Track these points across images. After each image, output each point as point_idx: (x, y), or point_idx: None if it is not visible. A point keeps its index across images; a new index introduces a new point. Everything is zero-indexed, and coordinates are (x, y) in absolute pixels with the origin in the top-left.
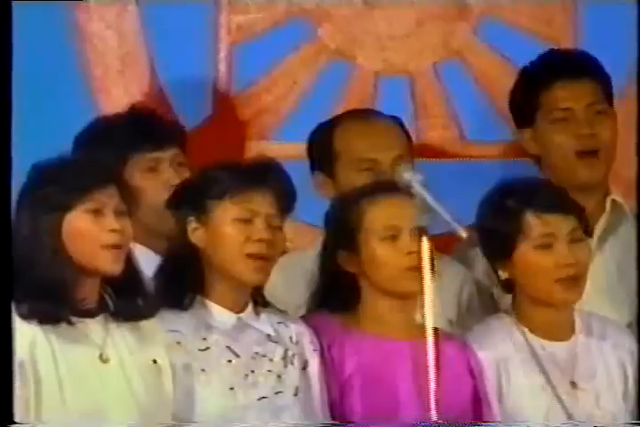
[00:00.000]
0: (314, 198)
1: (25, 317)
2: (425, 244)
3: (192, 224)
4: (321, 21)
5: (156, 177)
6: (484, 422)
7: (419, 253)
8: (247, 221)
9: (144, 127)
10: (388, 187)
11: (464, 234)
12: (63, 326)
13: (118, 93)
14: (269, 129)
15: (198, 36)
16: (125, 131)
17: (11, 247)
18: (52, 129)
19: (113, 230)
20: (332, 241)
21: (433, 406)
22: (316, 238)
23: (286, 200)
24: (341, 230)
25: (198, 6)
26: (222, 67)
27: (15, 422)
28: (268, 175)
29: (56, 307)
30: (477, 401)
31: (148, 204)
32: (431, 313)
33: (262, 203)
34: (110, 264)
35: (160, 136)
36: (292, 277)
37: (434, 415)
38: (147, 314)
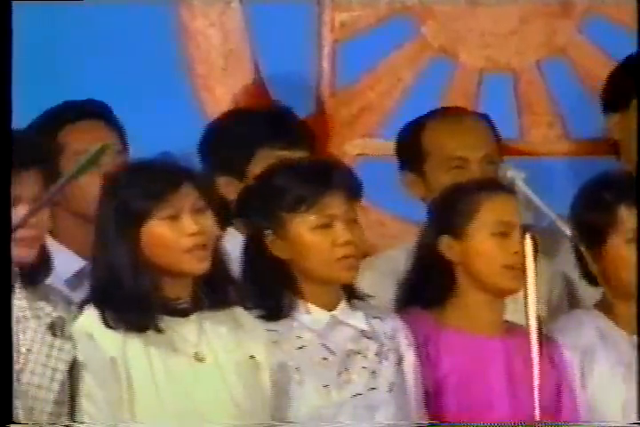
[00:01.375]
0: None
1: (111, 326)
2: (528, 241)
3: (270, 237)
4: (424, 19)
5: None
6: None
7: (523, 251)
8: (327, 226)
9: (277, 124)
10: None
11: (568, 232)
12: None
13: (222, 91)
14: (372, 127)
15: (301, 34)
16: (258, 126)
17: (10, 247)
18: (156, 127)
19: (192, 234)
20: (435, 227)
21: (537, 404)
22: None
23: (356, 194)
24: (450, 217)
25: (302, 4)
26: (325, 64)
27: (15, 423)
28: (334, 175)
29: (142, 316)
30: (560, 396)
31: None
32: (534, 312)
33: (337, 205)
34: (196, 265)
35: (292, 135)
36: (380, 278)
37: (537, 415)
38: (236, 301)
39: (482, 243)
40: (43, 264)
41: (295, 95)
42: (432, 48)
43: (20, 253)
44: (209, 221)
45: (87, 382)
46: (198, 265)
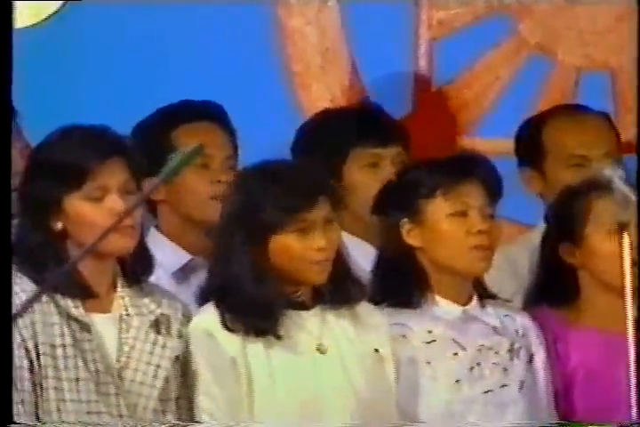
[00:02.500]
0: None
1: (230, 329)
2: (626, 239)
3: (406, 226)
4: (521, 17)
5: (376, 173)
6: None
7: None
8: (462, 215)
9: (369, 123)
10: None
11: None
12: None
13: (319, 89)
14: (470, 125)
15: (398, 32)
16: (350, 125)
17: (10, 248)
18: (253, 126)
19: (320, 249)
20: (554, 233)
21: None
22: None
23: (495, 189)
24: (565, 223)
25: (399, 2)
26: (423, 62)
27: (15, 423)
28: (474, 166)
29: (262, 322)
30: None
31: (364, 198)
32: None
33: (473, 194)
34: (318, 276)
35: (385, 133)
36: (499, 272)
37: None
38: (358, 298)
39: (600, 245)
40: (144, 262)
41: (392, 94)
42: (529, 46)
43: (119, 242)
44: (336, 234)
45: (206, 381)
46: (319, 276)
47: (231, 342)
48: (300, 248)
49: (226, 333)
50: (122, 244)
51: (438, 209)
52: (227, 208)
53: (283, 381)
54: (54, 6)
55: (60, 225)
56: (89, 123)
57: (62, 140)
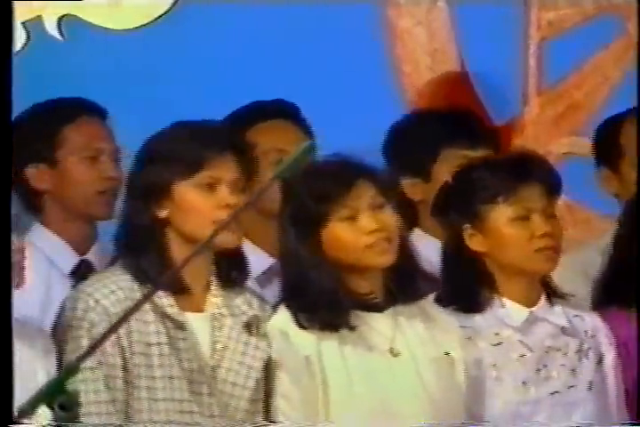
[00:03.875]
0: None
1: (304, 326)
2: None
3: (468, 231)
4: (631, 16)
5: None
6: None
7: None
8: (525, 219)
9: (461, 125)
10: None
11: None
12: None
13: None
14: (580, 125)
15: (507, 33)
16: (443, 125)
17: (10, 247)
18: (362, 126)
19: (371, 231)
20: (626, 234)
21: None
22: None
23: (554, 188)
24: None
25: (508, 3)
26: (532, 63)
27: (15, 423)
28: (533, 168)
29: (333, 315)
30: None
31: None
32: None
33: (534, 197)
34: (379, 259)
35: (476, 136)
36: (572, 276)
37: None
38: (428, 292)
39: None
40: (241, 265)
41: (501, 94)
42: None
43: (219, 236)
44: (389, 216)
45: (283, 381)
46: (381, 258)
47: (305, 341)
48: (351, 235)
49: (300, 332)
50: (229, 240)
51: (500, 215)
52: (281, 207)
53: (357, 381)
54: (165, 7)
55: (164, 213)
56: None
57: (179, 130)
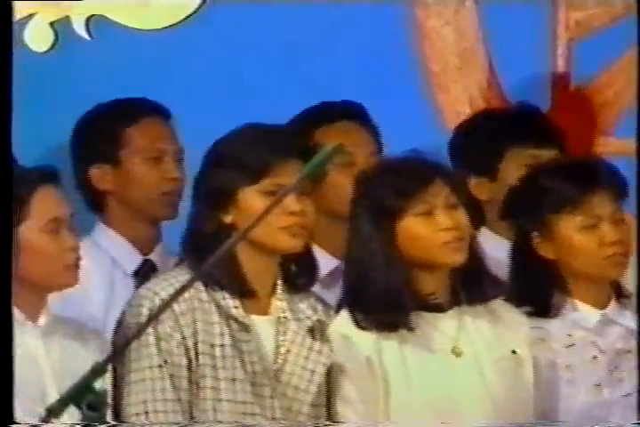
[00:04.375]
0: None
1: (363, 327)
2: None
3: (536, 239)
4: None
5: None
6: None
7: None
8: (594, 227)
9: (527, 124)
10: None
11: None
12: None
13: (457, 90)
14: (610, 125)
15: (536, 33)
16: (508, 125)
17: (11, 247)
18: (390, 127)
19: (447, 228)
20: None
21: None
22: None
23: (622, 193)
24: None
25: (536, 2)
26: (560, 63)
27: (15, 423)
28: (600, 174)
29: (393, 314)
30: None
31: None
32: None
33: (603, 204)
34: (452, 257)
35: (542, 135)
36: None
37: None
38: (494, 295)
39: None
40: (310, 270)
41: (530, 94)
42: None
43: (284, 241)
44: (462, 216)
45: (344, 384)
46: (454, 256)
47: (366, 342)
48: (427, 231)
49: (360, 333)
50: (292, 244)
51: (569, 224)
52: (353, 204)
53: (418, 381)
54: (192, 7)
55: (230, 218)
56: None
57: (246, 135)
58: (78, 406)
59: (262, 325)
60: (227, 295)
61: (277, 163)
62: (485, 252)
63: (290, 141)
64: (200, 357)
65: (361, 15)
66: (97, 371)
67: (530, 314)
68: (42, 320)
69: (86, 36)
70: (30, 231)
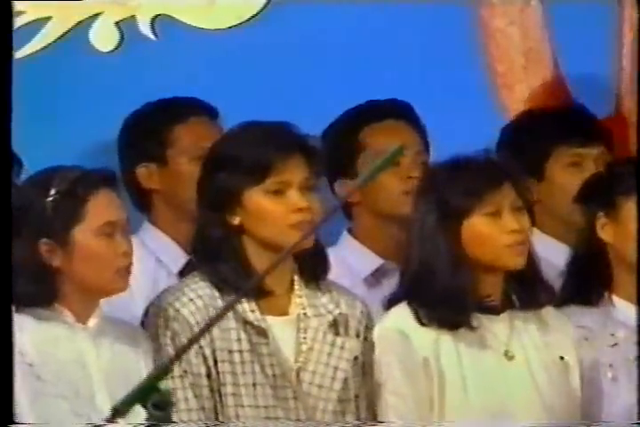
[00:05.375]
0: None
1: (424, 323)
2: None
3: (601, 220)
4: None
5: (578, 172)
6: None
7: None
8: None
9: (573, 122)
10: None
11: None
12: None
13: (522, 89)
14: None
15: (601, 32)
16: (554, 124)
17: (10, 247)
18: (455, 126)
19: (513, 231)
20: None
21: None
22: None
23: None
24: None
25: (601, 1)
26: (626, 63)
27: (15, 423)
28: None
29: (456, 313)
30: None
31: (564, 196)
32: None
33: None
34: (515, 260)
35: (588, 133)
36: None
37: None
38: (546, 302)
39: None
40: (321, 259)
41: (595, 94)
42: None
43: (293, 239)
44: (526, 219)
45: (396, 381)
46: (516, 260)
47: (424, 343)
48: (491, 232)
49: (419, 333)
50: (305, 242)
51: (633, 205)
52: (417, 204)
53: (472, 383)
54: (257, 8)
55: (237, 220)
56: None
57: (244, 134)
58: (144, 406)
59: (281, 325)
60: (242, 299)
61: (279, 161)
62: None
63: (289, 137)
64: (219, 364)
65: (427, 16)
66: (162, 370)
67: (575, 309)
68: (92, 322)
69: (152, 36)
70: (84, 234)
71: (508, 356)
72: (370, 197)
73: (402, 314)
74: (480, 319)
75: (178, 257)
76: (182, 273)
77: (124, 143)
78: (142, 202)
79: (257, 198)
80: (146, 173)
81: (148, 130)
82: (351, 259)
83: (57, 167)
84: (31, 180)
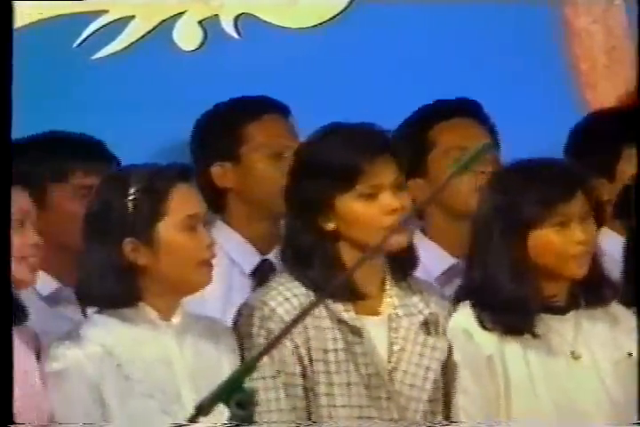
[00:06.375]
0: None
1: (487, 328)
2: None
3: None
4: None
5: None
6: None
7: None
8: None
9: None
10: None
11: None
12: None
13: (605, 88)
14: None
15: None
16: (623, 125)
17: (10, 246)
18: (537, 126)
19: (580, 242)
20: None
21: None
22: None
23: None
24: None
25: None
26: None
27: (15, 423)
28: None
29: (520, 320)
30: None
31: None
32: None
33: None
34: (578, 270)
35: None
36: None
37: None
38: (611, 299)
39: None
40: (411, 257)
41: None
42: None
43: (392, 240)
44: (593, 229)
45: (464, 379)
46: (580, 270)
47: (488, 341)
48: (559, 242)
49: (483, 331)
50: (400, 241)
51: None
52: (485, 205)
53: (539, 382)
54: (339, 7)
55: (332, 225)
56: (355, 120)
57: (330, 138)
58: (227, 405)
59: (374, 324)
60: (335, 300)
61: (368, 164)
62: (604, 251)
63: (375, 139)
64: (314, 363)
65: (511, 15)
66: (246, 369)
67: None
68: (175, 320)
69: (235, 35)
70: (167, 229)
71: (575, 356)
72: (442, 195)
73: (465, 313)
74: (545, 319)
75: (251, 257)
76: (255, 273)
77: (198, 143)
78: (216, 201)
79: (349, 203)
80: (220, 172)
81: (221, 128)
82: (424, 258)
83: (130, 166)
84: (105, 180)
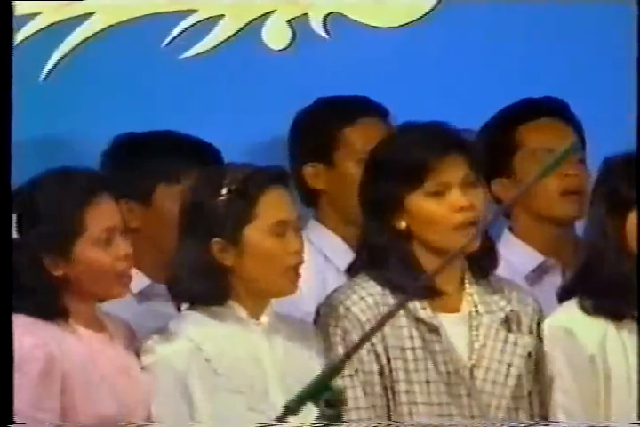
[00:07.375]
0: None
1: (590, 313)
2: None
3: None
4: None
5: None
6: None
7: None
8: None
9: None
10: None
11: None
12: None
13: None
14: None
15: None
16: None
17: (11, 246)
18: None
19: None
20: None
21: None
22: None
23: None
24: None
25: None
26: None
27: (15, 423)
28: None
29: (622, 304)
30: None
31: None
32: None
33: None
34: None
35: None
36: None
37: None
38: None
39: None
40: (491, 256)
41: None
42: None
43: (459, 242)
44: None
45: (564, 378)
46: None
47: (591, 340)
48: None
49: (586, 330)
50: (472, 244)
51: None
52: (595, 192)
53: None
54: (428, 7)
55: (403, 224)
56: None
57: (399, 137)
58: (316, 404)
59: (453, 322)
60: (413, 299)
61: (435, 162)
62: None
63: (443, 136)
64: (392, 362)
65: (589, 15)
66: (335, 368)
67: None
68: (264, 319)
69: (324, 34)
70: (256, 233)
71: None
72: (527, 197)
73: (569, 311)
74: None
75: (345, 254)
76: (350, 270)
77: (293, 141)
78: (309, 200)
79: (419, 201)
80: (313, 173)
81: (317, 130)
82: (513, 256)
83: (227, 165)
84: (200, 180)
